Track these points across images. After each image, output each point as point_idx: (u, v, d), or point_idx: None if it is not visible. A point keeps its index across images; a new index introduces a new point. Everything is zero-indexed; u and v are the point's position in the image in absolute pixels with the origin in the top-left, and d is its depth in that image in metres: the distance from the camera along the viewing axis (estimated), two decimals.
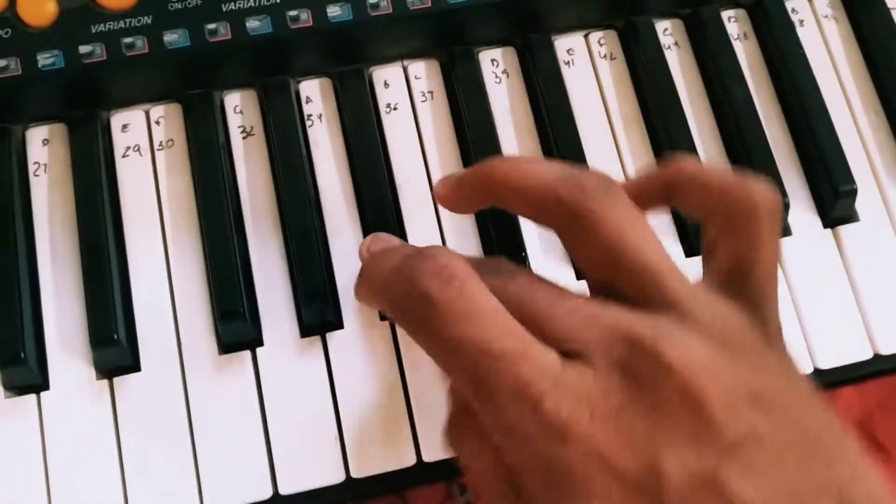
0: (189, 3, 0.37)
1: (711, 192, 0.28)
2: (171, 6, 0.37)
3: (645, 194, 0.30)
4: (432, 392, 0.36)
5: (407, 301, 0.26)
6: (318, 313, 0.36)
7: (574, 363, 0.25)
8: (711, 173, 0.29)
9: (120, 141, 0.39)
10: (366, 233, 0.38)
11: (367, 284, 0.31)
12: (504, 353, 0.24)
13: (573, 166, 0.28)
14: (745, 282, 0.28)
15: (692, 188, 0.29)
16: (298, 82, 0.40)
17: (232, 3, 0.37)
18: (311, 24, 0.37)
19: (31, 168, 0.39)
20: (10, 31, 0.36)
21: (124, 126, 0.39)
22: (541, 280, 0.28)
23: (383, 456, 0.35)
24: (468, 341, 0.25)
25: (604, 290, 0.27)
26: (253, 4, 0.37)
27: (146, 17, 0.36)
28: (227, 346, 0.36)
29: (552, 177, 0.28)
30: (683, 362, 0.24)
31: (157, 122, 0.39)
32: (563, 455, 0.24)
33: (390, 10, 0.38)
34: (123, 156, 0.39)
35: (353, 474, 0.35)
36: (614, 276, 0.27)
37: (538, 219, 0.29)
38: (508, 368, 0.24)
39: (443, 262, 0.26)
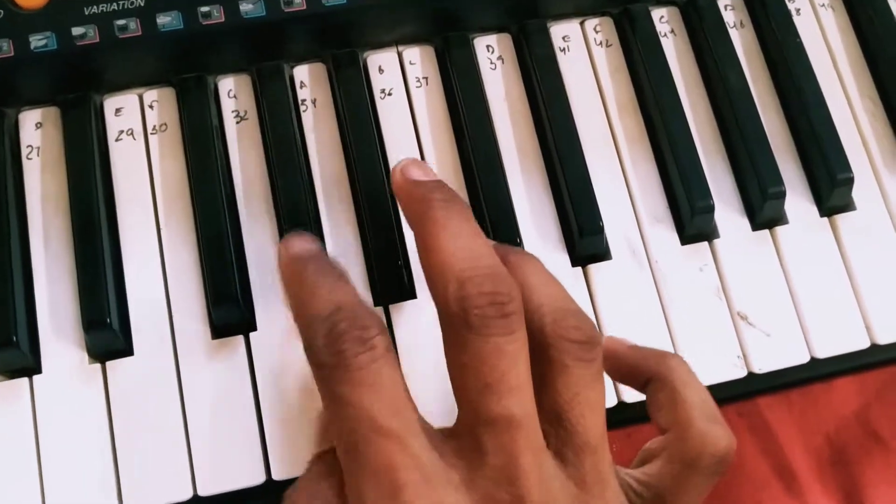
0: None
1: (680, 414, 0.30)
2: None
3: (626, 368, 0.32)
4: None
5: (323, 351, 0.26)
6: None
7: (457, 471, 0.26)
8: (691, 400, 0.30)
9: (113, 125, 0.39)
10: (360, 217, 0.38)
11: (289, 291, 0.30)
12: (387, 432, 0.25)
13: (572, 300, 0.29)
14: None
15: (667, 393, 0.31)
16: (292, 67, 0.40)
17: None
18: (304, 7, 0.37)
19: (24, 151, 0.38)
20: (2, 12, 0.36)
21: (118, 110, 0.39)
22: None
23: None
24: (360, 408, 0.26)
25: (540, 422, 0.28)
26: None
27: None
28: (220, 330, 0.36)
29: (554, 309, 0.28)
30: None
31: (151, 107, 0.39)
32: None
33: None
34: (117, 139, 0.39)
35: None
36: (553, 426, 0.28)
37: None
38: (385, 447, 0.25)
39: (370, 333, 0.26)
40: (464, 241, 0.28)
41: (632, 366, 0.32)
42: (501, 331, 0.26)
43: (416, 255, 0.36)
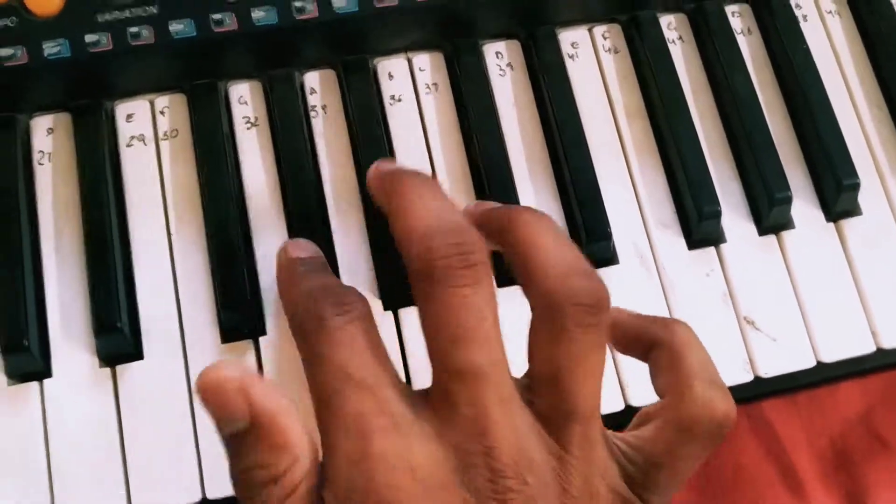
0: None
1: (679, 376, 0.29)
2: None
3: (630, 335, 0.31)
4: None
5: (304, 317, 0.28)
6: None
7: (429, 423, 0.26)
8: (692, 362, 0.29)
9: (124, 130, 0.39)
10: (369, 222, 0.38)
11: (282, 290, 0.33)
12: (359, 382, 0.26)
13: (584, 262, 0.28)
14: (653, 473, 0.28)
15: (667, 355, 0.30)
16: (303, 73, 0.40)
17: None
18: (316, 14, 0.37)
19: (36, 157, 0.39)
20: (16, 19, 0.36)
21: (129, 116, 0.39)
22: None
23: None
24: (333, 363, 0.26)
25: (531, 382, 0.28)
26: None
27: (152, 7, 0.37)
28: (229, 334, 0.36)
29: (563, 270, 0.27)
30: None
31: (162, 113, 0.39)
32: (365, 485, 0.25)
33: (396, 2, 0.38)
34: (128, 145, 0.39)
35: None
36: (544, 389, 0.27)
37: (525, 287, 0.29)
38: (356, 395, 0.26)
39: (348, 299, 0.28)
40: (430, 202, 0.28)
41: (635, 333, 0.31)
42: (467, 280, 0.26)
43: None
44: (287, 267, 0.32)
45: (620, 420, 0.34)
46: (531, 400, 0.27)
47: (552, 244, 0.28)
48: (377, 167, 0.32)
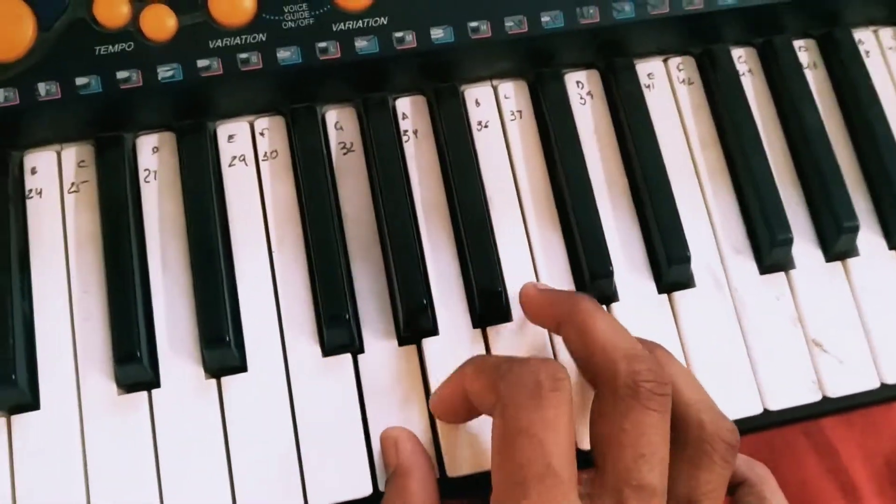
0: (302, 23, 0.38)
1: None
2: (285, 24, 0.38)
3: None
4: None
5: (520, 379, 0.31)
6: (417, 322, 0.38)
7: None
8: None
9: (226, 150, 0.41)
10: (459, 244, 0.40)
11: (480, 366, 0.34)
12: (558, 475, 0.29)
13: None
14: None
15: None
16: (395, 99, 0.42)
17: (342, 24, 0.39)
18: (415, 45, 0.39)
19: (142, 175, 0.40)
20: (132, 44, 0.38)
21: (230, 136, 0.41)
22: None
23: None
24: (540, 444, 0.29)
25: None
26: (361, 25, 0.39)
27: (261, 35, 0.38)
28: (330, 350, 0.38)
29: (708, 406, 0.33)
30: None
31: (262, 134, 0.41)
32: None
33: (489, 34, 0.40)
34: (230, 165, 0.41)
35: None
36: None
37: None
38: (554, 488, 0.29)
39: (562, 378, 0.31)
40: (618, 327, 0.33)
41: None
42: (662, 407, 0.31)
43: (510, 281, 0.39)
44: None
45: None
46: None
47: (693, 384, 0.33)
48: (536, 288, 0.37)
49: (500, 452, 0.30)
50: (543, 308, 0.36)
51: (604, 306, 0.40)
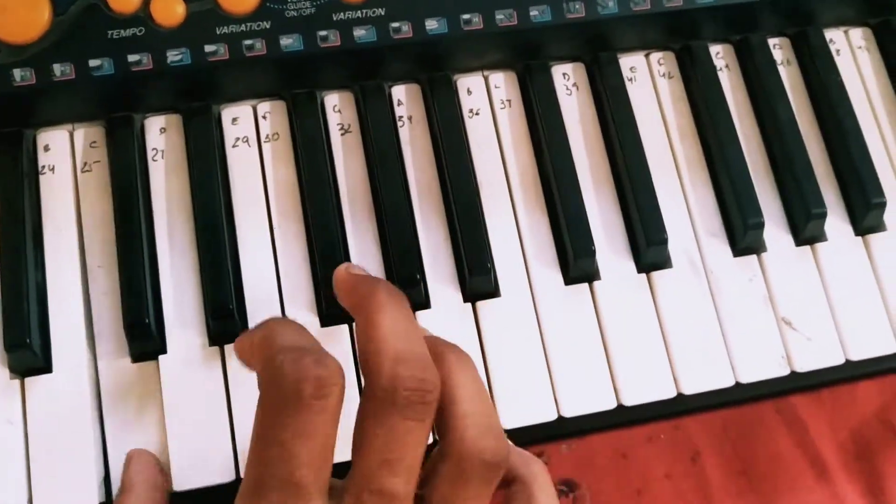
0: (304, 12, 0.41)
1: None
2: (288, 13, 0.41)
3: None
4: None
5: (281, 381, 0.29)
6: (410, 295, 0.40)
7: None
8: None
9: (230, 132, 0.43)
10: (451, 224, 0.42)
11: (256, 342, 0.33)
12: (299, 485, 0.28)
13: (494, 419, 0.32)
14: None
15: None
16: (390, 87, 0.45)
17: (342, 14, 0.41)
18: (411, 35, 0.42)
19: (150, 154, 0.42)
20: (143, 29, 0.40)
21: (234, 119, 0.43)
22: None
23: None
24: (288, 453, 0.28)
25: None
26: (360, 15, 0.41)
27: (265, 23, 0.40)
28: (328, 320, 0.40)
29: (478, 421, 0.31)
30: None
31: (264, 117, 0.43)
32: None
33: (481, 26, 0.42)
34: (233, 146, 0.43)
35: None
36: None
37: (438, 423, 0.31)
38: (281, 494, 0.28)
39: (330, 387, 0.29)
40: (402, 325, 0.31)
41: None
42: (418, 416, 0.29)
43: (499, 260, 0.41)
44: (275, 327, 0.32)
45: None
46: None
47: (475, 394, 0.31)
48: (347, 271, 0.35)
49: (252, 450, 0.29)
50: (346, 292, 0.35)
51: (584, 286, 0.42)
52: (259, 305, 0.41)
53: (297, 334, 0.32)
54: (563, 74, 0.46)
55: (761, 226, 0.43)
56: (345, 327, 0.40)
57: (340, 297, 0.36)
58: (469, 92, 0.45)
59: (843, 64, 0.47)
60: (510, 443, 0.35)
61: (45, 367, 0.39)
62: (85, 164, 0.42)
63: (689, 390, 0.41)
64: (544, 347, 0.41)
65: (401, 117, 0.44)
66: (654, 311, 0.42)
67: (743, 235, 0.43)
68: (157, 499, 0.36)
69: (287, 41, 0.41)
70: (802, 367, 0.42)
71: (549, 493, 0.34)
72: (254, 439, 0.30)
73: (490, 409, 0.32)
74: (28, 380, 0.38)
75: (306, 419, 0.28)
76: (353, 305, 0.33)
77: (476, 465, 0.30)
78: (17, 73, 0.39)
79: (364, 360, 0.31)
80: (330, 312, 0.40)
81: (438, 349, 0.32)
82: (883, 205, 0.44)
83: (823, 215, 0.43)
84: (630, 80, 0.46)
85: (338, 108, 0.44)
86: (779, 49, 0.48)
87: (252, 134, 0.43)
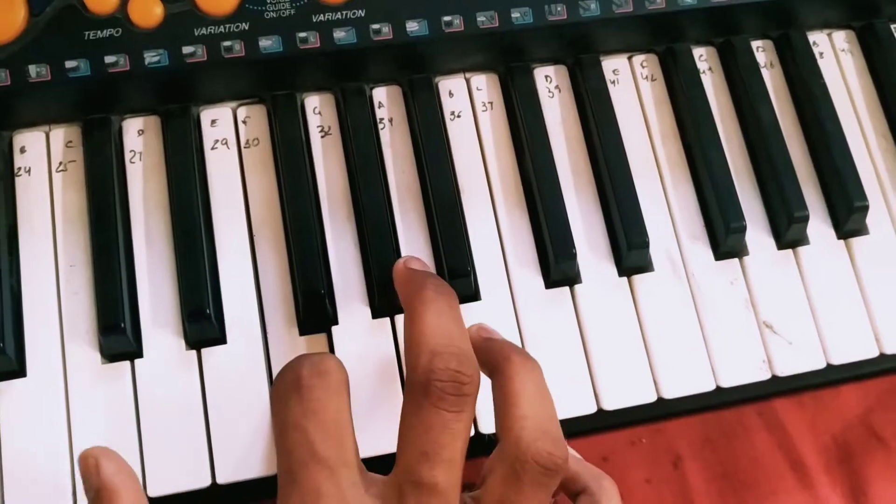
0: (283, 13, 0.40)
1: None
2: (267, 15, 0.40)
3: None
4: None
5: (282, 376, 0.32)
6: (390, 296, 0.40)
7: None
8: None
9: (209, 134, 0.43)
10: (431, 227, 0.42)
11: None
12: (321, 459, 0.29)
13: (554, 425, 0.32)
14: None
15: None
16: (371, 88, 0.44)
17: (321, 15, 0.41)
18: (391, 37, 0.41)
19: (128, 156, 0.42)
20: (120, 30, 0.40)
21: (213, 121, 0.43)
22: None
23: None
24: (303, 433, 0.30)
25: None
26: (340, 17, 0.41)
27: (244, 24, 0.40)
28: (307, 326, 0.40)
29: (538, 432, 0.31)
30: None
31: (244, 122, 0.43)
32: None
33: (462, 28, 0.42)
34: (212, 148, 0.42)
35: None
36: None
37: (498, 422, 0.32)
38: (317, 473, 0.29)
39: (326, 366, 0.31)
40: (445, 321, 0.32)
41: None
42: (453, 408, 0.30)
43: (480, 263, 0.41)
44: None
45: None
46: None
47: (536, 397, 0.32)
48: (405, 265, 0.36)
49: (276, 446, 0.31)
50: (400, 286, 0.36)
51: (565, 289, 0.42)
52: (236, 307, 0.40)
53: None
54: (546, 77, 0.46)
55: (743, 229, 0.43)
56: (323, 335, 0.40)
57: (397, 289, 0.37)
58: (451, 94, 0.45)
59: (827, 67, 0.47)
60: (581, 457, 0.37)
61: (19, 370, 0.38)
62: (60, 163, 0.42)
63: (670, 394, 0.41)
64: None
65: (381, 119, 0.44)
66: (636, 315, 0.42)
67: (725, 239, 0.43)
68: (144, 501, 0.36)
69: (266, 43, 0.40)
70: (784, 371, 0.42)
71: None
72: (275, 437, 0.31)
73: (551, 414, 0.32)
74: (1, 384, 0.38)
75: (310, 397, 0.30)
76: (404, 299, 0.35)
77: (530, 468, 0.30)
78: None
79: (406, 353, 0.32)
80: (307, 318, 0.40)
81: (505, 351, 0.33)
82: (865, 208, 0.44)
83: (805, 218, 0.43)
84: (612, 82, 0.46)
85: (318, 109, 0.43)
86: (762, 52, 0.47)
87: (231, 136, 0.43)
